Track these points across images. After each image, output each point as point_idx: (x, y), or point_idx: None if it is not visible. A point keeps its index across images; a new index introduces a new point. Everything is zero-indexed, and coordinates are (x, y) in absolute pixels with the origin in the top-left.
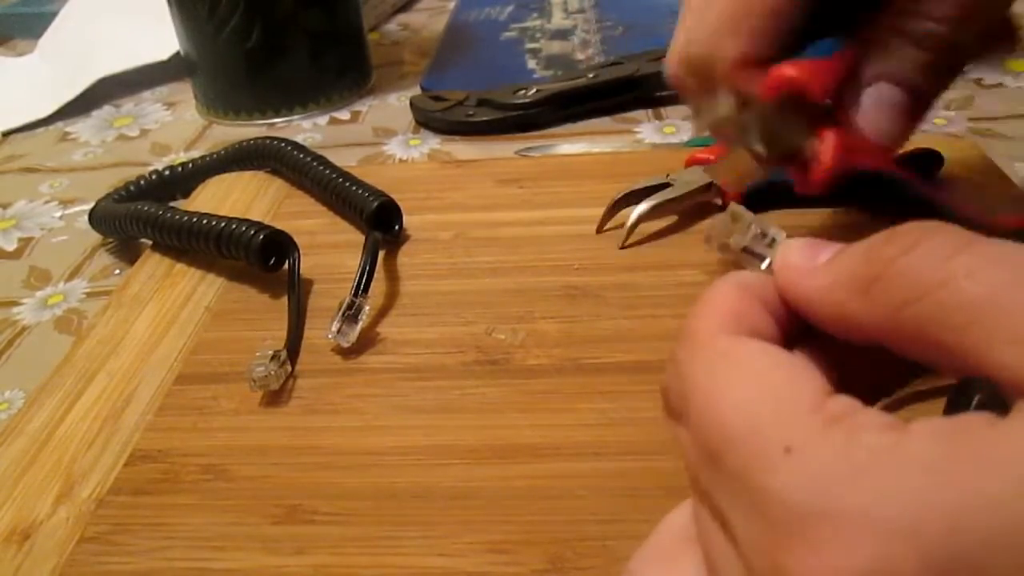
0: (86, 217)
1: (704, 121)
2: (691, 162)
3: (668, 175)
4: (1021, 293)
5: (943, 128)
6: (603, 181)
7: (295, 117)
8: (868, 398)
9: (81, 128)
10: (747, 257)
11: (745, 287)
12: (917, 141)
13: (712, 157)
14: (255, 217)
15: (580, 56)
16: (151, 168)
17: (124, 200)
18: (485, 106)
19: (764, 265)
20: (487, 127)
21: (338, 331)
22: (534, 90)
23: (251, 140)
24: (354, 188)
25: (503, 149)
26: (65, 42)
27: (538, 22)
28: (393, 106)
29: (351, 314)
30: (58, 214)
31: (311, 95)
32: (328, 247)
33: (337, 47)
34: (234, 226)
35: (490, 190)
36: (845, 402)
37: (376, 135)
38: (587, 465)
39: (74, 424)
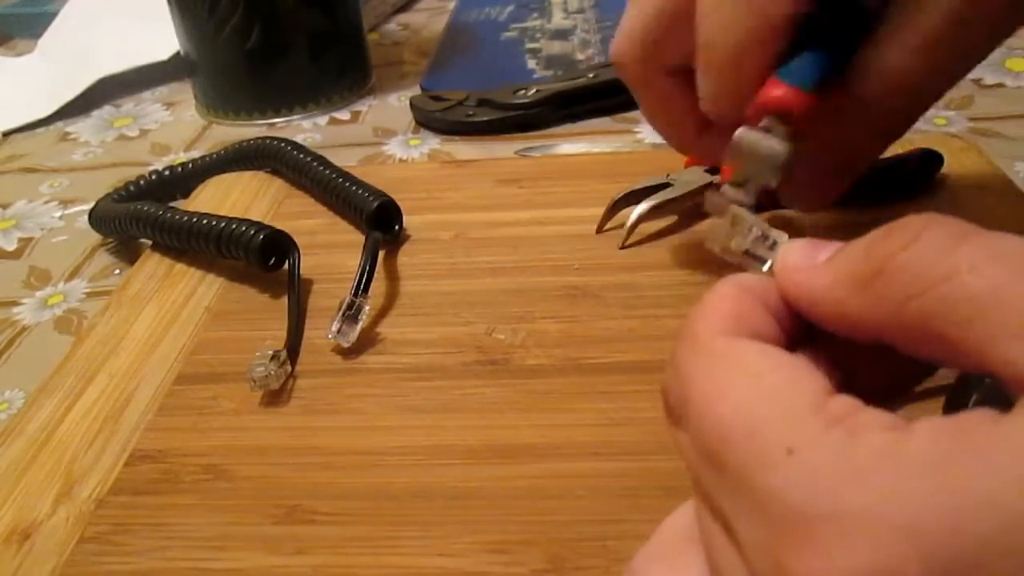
0: (86, 217)
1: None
2: (691, 162)
3: (668, 175)
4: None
5: (943, 128)
6: (603, 181)
7: (295, 117)
8: (875, 400)
9: (81, 128)
10: (748, 260)
11: (746, 289)
12: (917, 141)
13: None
14: (255, 217)
15: (580, 56)
16: (151, 168)
17: (124, 200)
18: (485, 106)
19: (765, 268)
20: (487, 127)
21: (338, 331)
22: (534, 90)
23: (251, 140)
24: (354, 188)
25: (503, 149)
26: (65, 42)
27: (538, 22)
28: (393, 106)
29: (351, 314)
30: (58, 214)
31: (311, 95)
32: (328, 247)
33: (337, 47)
34: (234, 226)
35: (490, 190)
36: (846, 402)
37: (376, 135)
38: (587, 465)
39: (74, 424)
